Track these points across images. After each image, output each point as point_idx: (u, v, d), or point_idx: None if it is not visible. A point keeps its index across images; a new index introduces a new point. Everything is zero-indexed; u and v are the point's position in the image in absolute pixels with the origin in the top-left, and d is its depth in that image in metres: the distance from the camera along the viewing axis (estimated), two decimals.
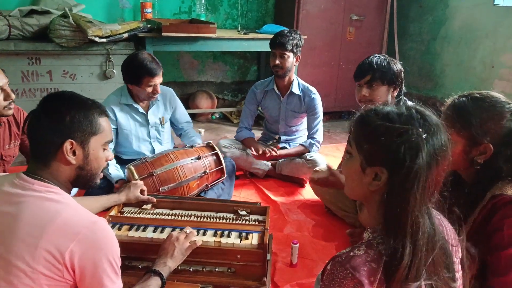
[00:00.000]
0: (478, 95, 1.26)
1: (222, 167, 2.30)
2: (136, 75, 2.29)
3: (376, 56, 2.02)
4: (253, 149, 2.64)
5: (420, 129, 0.85)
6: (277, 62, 2.62)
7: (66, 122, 1.03)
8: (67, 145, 1.03)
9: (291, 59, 2.62)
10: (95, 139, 1.08)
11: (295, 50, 2.62)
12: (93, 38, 2.96)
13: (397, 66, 2.00)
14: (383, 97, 1.97)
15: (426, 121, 0.87)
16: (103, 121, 1.10)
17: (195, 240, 1.48)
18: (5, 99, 1.89)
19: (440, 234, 0.89)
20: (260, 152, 2.59)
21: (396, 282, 0.82)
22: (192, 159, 2.21)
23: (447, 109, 1.30)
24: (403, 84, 2.03)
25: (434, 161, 0.85)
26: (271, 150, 2.59)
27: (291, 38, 2.59)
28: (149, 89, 2.33)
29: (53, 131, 1.03)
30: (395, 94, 2.02)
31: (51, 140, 1.03)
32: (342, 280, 0.82)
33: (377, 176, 0.89)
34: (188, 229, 1.50)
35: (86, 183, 1.12)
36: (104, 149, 1.12)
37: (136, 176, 2.06)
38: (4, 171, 2.11)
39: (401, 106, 0.91)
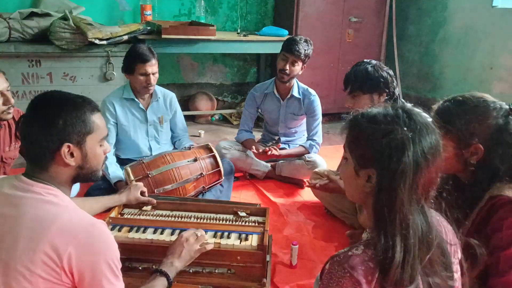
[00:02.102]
0: (461, 98, 1.27)
1: (220, 169, 2.30)
2: (129, 62, 2.33)
3: (358, 65, 2.06)
4: (254, 148, 2.64)
5: (406, 128, 0.86)
6: (287, 67, 2.60)
7: (59, 126, 1.00)
8: (64, 149, 1.02)
9: (299, 68, 2.63)
10: (91, 137, 1.06)
11: (305, 60, 2.62)
12: (93, 40, 2.97)
13: (380, 72, 1.99)
14: (367, 105, 2.00)
15: (412, 119, 0.88)
16: (96, 118, 1.07)
17: (207, 243, 1.45)
18: (4, 104, 1.89)
19: (437, 232, 0.90)
20: (261, 150, 2.60)
21: (390, 281, 0.82)
22: (188, 161, 2.21)
23: (433, 114, 1.31)
24: (394, 87, 2.02)
25: (423, 159, 0.85)
26: (272, 148, 2.59)
27: (306, 48, 2.59)
28: (141, 78, 2.34)
29: (48, 136, 1.00)
30: (382, 99, 2.01)
31: (46, 146, 1.01)
32: (340, 279, 0.83)
33: (370, 178, 0.90)
34: (199, 232, 1.47)
35: (88, 179, 1.12)
36: (100, 145, 1.10)
37: (132, 177, 2.07)
38: (5, 173, 2.11)
39: (388, 107, 0.93)
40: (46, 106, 1.04)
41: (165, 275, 1.29)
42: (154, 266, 1.52)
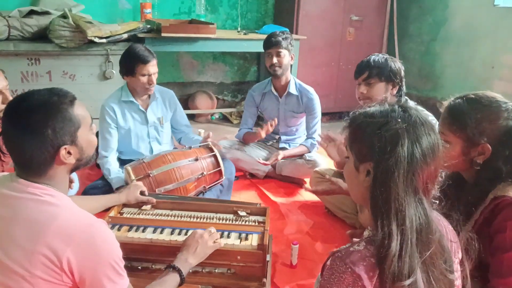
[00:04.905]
0: (473, 96, 1.26)
1: (220, 169, 2.29)
2: (129, 64, 2.31)
3: (374, 55, 2.06)
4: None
5: (400, 120, 0.88)
6: (274, 61, 2.63)
7: (50, 136, 0.98)
8: (62, 152, 1.00)
9: (287, 57, 2.65)
10: (81, 130, 1.04)
11: (289, 48, 2.65)
12: (92, 38, 2.96)
13: (396, 64, 2.01)
14: (381, 94, 1.99)
15: (407, 113, 0.90)
16: (78, 110, 1.04)
17: (219, 241, 1.48)
18: (3, 102, 1.88)
19: (437, 227, 0.90)
20: (268, 162, 2.66)
21: (387, 271, 0.81)
22: (189, 161, 2.20)
23: (444, 111, 1.31)
24: (403, 83, 2.04)
25: (418, 150, 0.86)
26: (274, 159, 2.66)
27: (284, 37, 2.63)
28: (144, 79, 2.32)
29: (42, 149, 0.98)
30: (394, 92, 2.02)
31: (44, 157, 0.99)
32: (341, 275, 0.83)
33: (369, 172, 0.90)
34: (212, 229, 1.48)
35: (85, 166, 1.13)
36: (90, 130, 1.09)
37: (133, 177, 2.06)
38: (3, 172, 2.10)
39: (385, 104, 0.94)
40: (27, 117, 0.98)
41: (178, 270, 1.29)
42: (153, 266, 1.52)
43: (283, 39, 2.61)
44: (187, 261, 1.34)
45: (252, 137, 2.79)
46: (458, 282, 0.95)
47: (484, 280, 1.21)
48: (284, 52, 2.62)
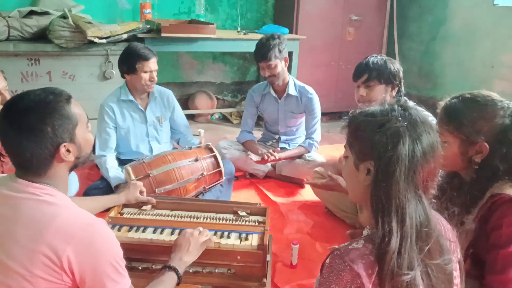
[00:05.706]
0: (469, 95, 1.27)
1: (220, 170, 2.29)
2: (130, 62, 2.32)
3: (373, 56, 2.04)
4: (253, 155, 2.64)
5: (400, 119, 0.88)
6: (267, 74, 2.62)
7: (50, 134, 0.99)
8: (62, 150, 1.01)
9: (279, 66, 2.60)
10: (79, 128, 1.05)
11: (279, 56, 2.56)
12: (92, 39, 2.96)
13: (395, 65, 2.00)
14: (381, 96, 1.98)
15: (407, 111, 0.91)
16: (74, 108, 1.05)
17: (209, 235, 1.48)
18: (2, 103, 1.89)
19: (435, 226, 0.90)
20: (259, 158, 2.59)
21: (386, 268, 0.82)
22: (189, 161, 2.20)
23: (440, 111, 1.32)
24: (402, 84, 2.03)
25: (418, 148, 0.86)
26: (270, 154, 2.57)
27: (271, 46, 2.52)
28: (145, 76, 2.34)
29: (42, 148, 0.99)
30: (394, 93, 2.02)
31: (44, 156, 1.00)
32: (340, 273, 0.83)
33: (369, 171, 0.91)
34: (201, 228, 1.49)
35: (83, 164, 1.14)
36: (87, 128, 1.10)
37: (133, 177, 2.06)
38: (3, 172, 2.10)
39: (385, 104, 0.95)
40: (25, 118, 0.98)
41: (174, 270, 1.29)
42: (154, 266, 1.52)
43: (269, 50, 2.51)
44: (182, 260, 1.35)
45: (252, 149, 2.74)
46: (457, 281, 0.95)
47: (481, 278, 1.21)
48: (274, 62, 2.55)
